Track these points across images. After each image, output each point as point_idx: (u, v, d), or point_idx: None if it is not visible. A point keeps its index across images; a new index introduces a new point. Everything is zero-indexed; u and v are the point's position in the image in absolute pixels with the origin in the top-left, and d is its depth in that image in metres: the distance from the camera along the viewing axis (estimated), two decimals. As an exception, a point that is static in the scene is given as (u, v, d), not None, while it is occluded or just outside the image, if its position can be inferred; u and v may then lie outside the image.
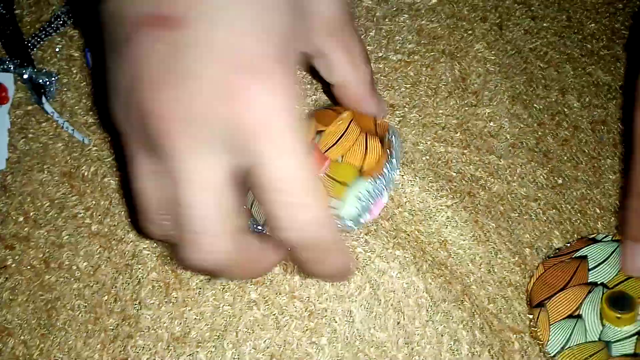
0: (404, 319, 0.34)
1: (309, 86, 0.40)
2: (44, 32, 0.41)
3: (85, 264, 0.35)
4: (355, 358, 0.33)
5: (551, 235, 0.37)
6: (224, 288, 0.34)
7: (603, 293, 0.33)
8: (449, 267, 0.35)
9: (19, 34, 0.40)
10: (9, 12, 0.40)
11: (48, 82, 0.39)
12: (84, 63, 0.41)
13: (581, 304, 0.33)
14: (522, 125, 0.40)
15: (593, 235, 0.36)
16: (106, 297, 0.34)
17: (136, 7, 0.25)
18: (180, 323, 0.34)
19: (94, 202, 0.37)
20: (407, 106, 0.40)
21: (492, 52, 0.41)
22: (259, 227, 0.33)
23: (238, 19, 0.25)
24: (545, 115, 0.40)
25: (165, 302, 0.34)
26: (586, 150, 0.39)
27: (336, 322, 0.34)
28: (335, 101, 0.35)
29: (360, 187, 0.32)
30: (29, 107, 0.39)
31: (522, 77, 0.41)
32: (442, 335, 0.34)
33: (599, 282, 0.34)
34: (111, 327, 0.34)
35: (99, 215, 0.36)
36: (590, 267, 0.34)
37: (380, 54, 0.41)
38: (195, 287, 0.34)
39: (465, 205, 0.37)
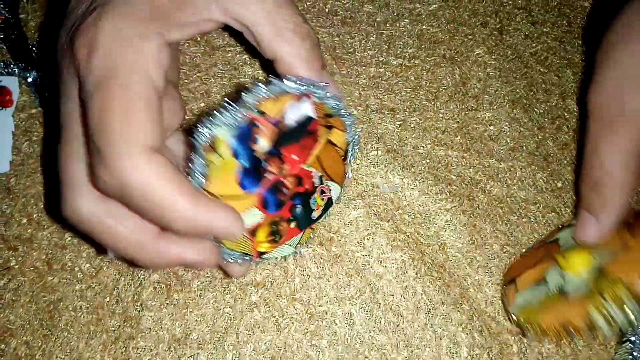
0: (403, 322, 0.34)
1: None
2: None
3: (87, 265, 0.35)
4: (355, 360, 0.33)
5: (550, 239, 0.37)
6: (224, 290, 0.35)
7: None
8: (447, 270, 0.36)
9: (23, 38, 0.41)
10: (14, 16, 0.41)
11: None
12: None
13: (546, 272, 0.33)
14: (522, 129, 0.40)
15: (569, 222, 0.36)
16: (108, 299, 0.34)
17: None
18: (182, 325, 0.34)
19: (96, 205, 0.37)
20: (407, 110, 0.40)
21: (493, 57, 0.42)
22: None
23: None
24: (546, 119, 0.40)
25: (167, 303, 0.34)
26: (586, 155, 0.39)
27: (336, 324, 0.34)
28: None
29: None
30: (33, 110, 0.39)
31: (523, 82, 0.41)
32: (441, 339, 0.34)
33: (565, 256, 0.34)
34: (113, 329, 0.34)
35: (102, 218, 0.37)
36: (561, 248, 0.34)
37: (381, 59, 0.41)
38: (197, 289, 0.35)
39: (464, 208, 0.37)
